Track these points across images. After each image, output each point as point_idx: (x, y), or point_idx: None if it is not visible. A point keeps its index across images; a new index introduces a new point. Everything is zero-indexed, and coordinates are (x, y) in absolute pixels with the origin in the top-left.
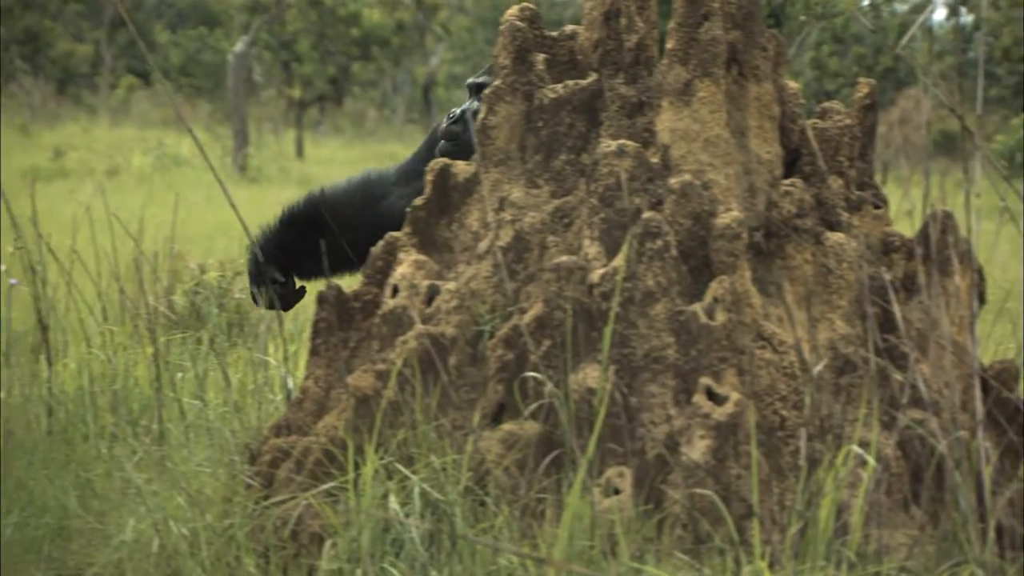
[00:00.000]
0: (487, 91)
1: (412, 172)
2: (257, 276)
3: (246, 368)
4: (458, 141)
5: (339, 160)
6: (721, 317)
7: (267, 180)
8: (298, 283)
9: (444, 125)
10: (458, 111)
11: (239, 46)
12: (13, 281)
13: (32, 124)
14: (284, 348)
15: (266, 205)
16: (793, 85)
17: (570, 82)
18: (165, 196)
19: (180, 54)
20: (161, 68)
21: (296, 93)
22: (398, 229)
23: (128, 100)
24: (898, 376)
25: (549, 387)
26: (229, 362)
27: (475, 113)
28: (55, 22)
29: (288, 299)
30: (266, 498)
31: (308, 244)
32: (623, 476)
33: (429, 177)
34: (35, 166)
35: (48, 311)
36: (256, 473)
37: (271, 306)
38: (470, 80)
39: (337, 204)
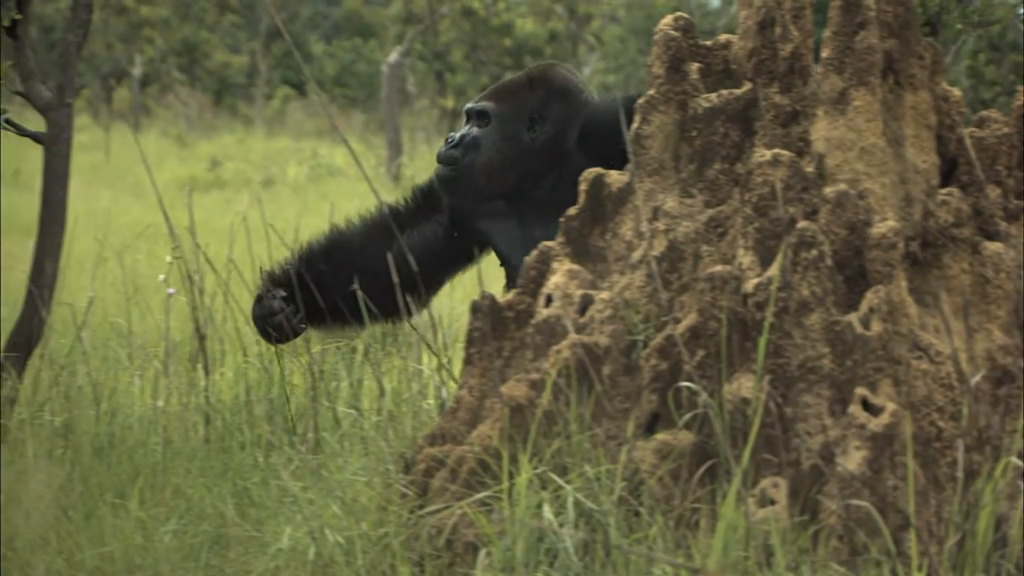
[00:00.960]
0: (640, 101)
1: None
2: (263, 304)
3: (400, 377)
4: (456, 166)
5: None
6: (877, 327)
7: None
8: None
9: (443, 149)
10: (456, 136)
11: (393, 57)
12: (171, 291)
13: (189, 135)
14: (438, 358)
15: None
16: (955, 93)
17: (724, 91)
18: (320, 206)
19: (335, 65)
20: (316, 79)
21: (449, 103)
22: (410, 269)
23: (283, 111)
24: None
25: (703, 397)
26: (383, 371)
27: (474, 139)
28: (212, 33)
29: (285, 330)
30: (421, 507)
31: (323, 285)
32: (778, 487)
33: (583, 187)
34: (192, 176)
35: (206, 321)
36: (411, 482)
37: (270, 335)
38: (468, 105)
39: (356, 246)
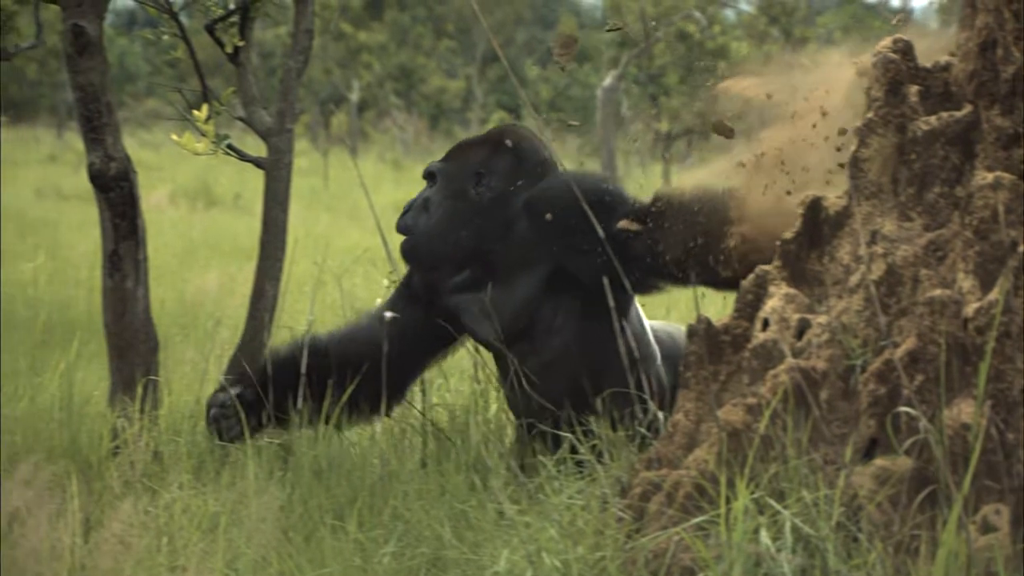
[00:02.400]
0: (861, 124)
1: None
2: (216, 396)
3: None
4: (410, 233)
5: None
6: None
7: None
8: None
9: (399, 219)
10: (410, 202)
11: (608, 80)
12: (389, 314)
13: (405, 159)
14: (649, 383)
15: None
16: None
17: (944, 114)
18: None
19: (549, 89)
20: (531, 103)
21: (664, 126)
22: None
23: None
24: None
25: (923, 422)
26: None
27: (425, 200)
28: (428, 58)
29: (223, 429)
30: (637, 531)
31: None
32: (1000, 513)
33: (799, 211)
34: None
35: None
36: (627, 506)
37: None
38: (425, 169)
39: (336, 340)
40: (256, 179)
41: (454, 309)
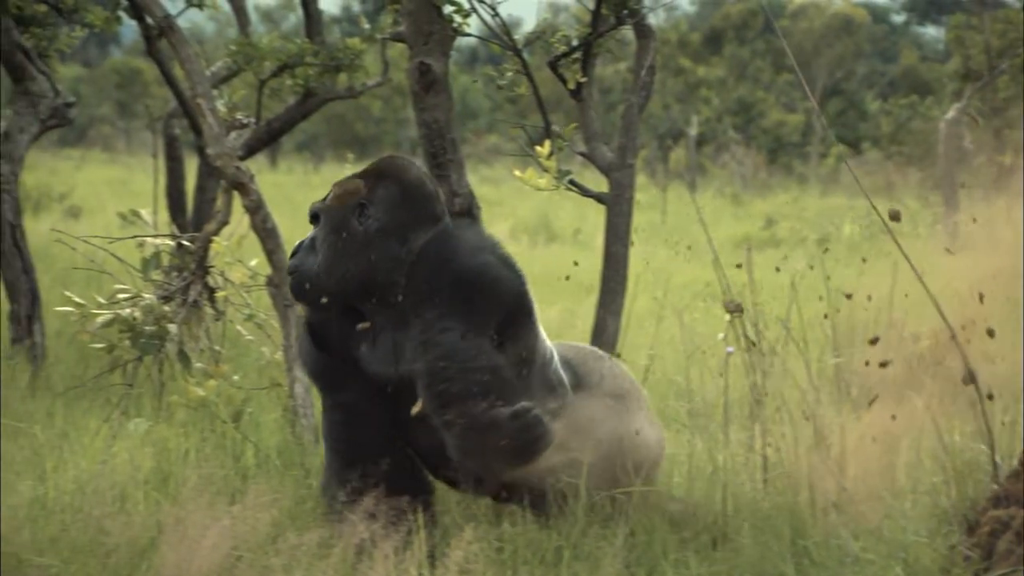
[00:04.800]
0: None
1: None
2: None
3: (961, 432)
4: (296, 273)
5: None
6: None
7: (974, 248)
8: None
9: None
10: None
11: (950, 113)
12: (729, 349)
13: (743, 193)
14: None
15: (973, 274)
16: None
17: None
18: (877, 265)
19: (890, 122)
20: (871, 137)
21: (1007, 159)
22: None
23: (838, 169)
24: None
25: None
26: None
27: (311, 240)
28: (767, 93)
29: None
30: (985, 570)
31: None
32: None
33: None
34: (747, 235)
35: (763, 379)
36: (974, 544)
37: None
38: (309, 210)
39: None
40: (595, 214)
41: (349, 350)
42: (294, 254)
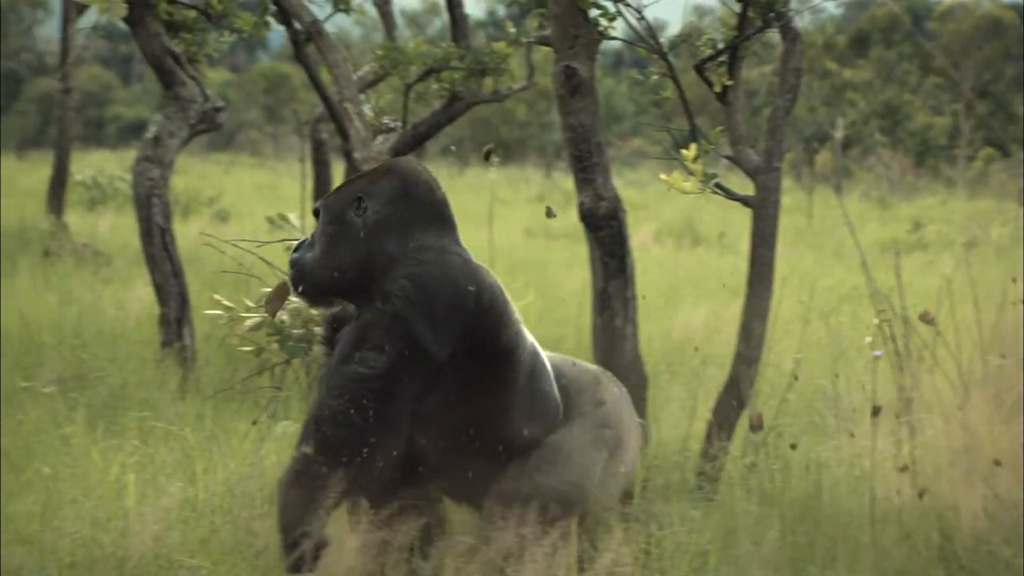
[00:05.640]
0: None
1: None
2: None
3: None
4: (296, 267)
5: None
6: None
7: None
8: None
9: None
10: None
11: None
12: (877, 353)
13: (890, 197)
14: None
15: None
16: None
17: None
18: None
19: None
20: (1020, 139)
21: None
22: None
23: (986, 171)
24: None
25: None
26: None
27: (312, 235)
28: (914, 95)
29: None
30: None
31: None
32: None
33: None
34: (894, 238)
35: (911, 383)
36: None
37: None
38: (313, 208)
39: None
40: (740, 217)
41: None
42: (296, 249)
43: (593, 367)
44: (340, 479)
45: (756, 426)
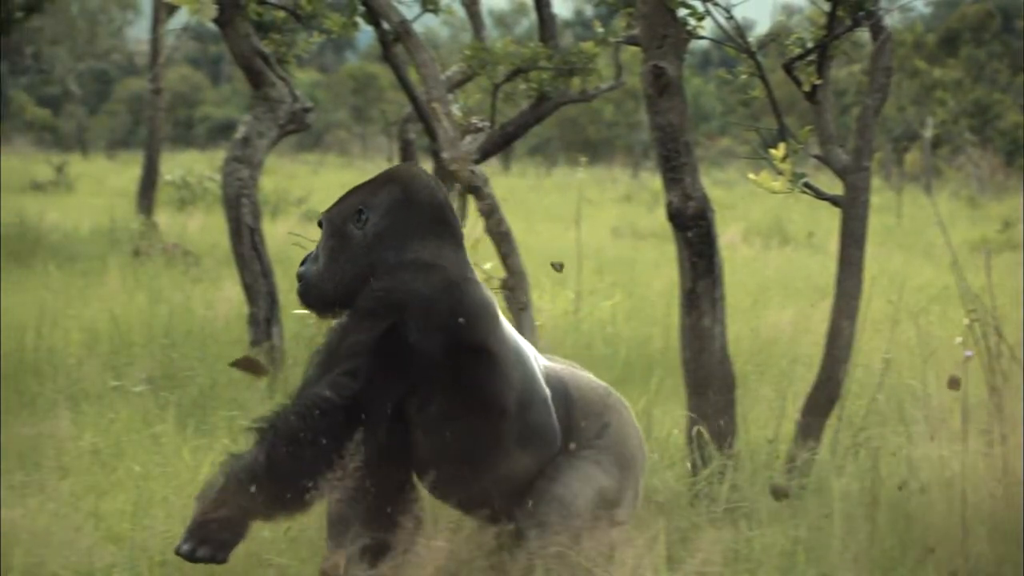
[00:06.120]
0: None
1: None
2: None
3: None
4: (302, 281)
5: None
6: None
7: None
8: None
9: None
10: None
11: None
12: (968, 353)
13: (980, 196)
14: None
15: None
16: None
17: None
18: None
19: None
20: None
21: None
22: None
23: None
24: None
25: None
26: None
27: (316, 248)
28: (1004, 94)
29: None
30: None
31: None
32: None
33: None
34: (984, 238)
35: (1001, 384)
36: None
37: None
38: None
39: None
40: (829, 217)
41: None
42: (303, 263)
43: (600, 385)
44: (274, 495)
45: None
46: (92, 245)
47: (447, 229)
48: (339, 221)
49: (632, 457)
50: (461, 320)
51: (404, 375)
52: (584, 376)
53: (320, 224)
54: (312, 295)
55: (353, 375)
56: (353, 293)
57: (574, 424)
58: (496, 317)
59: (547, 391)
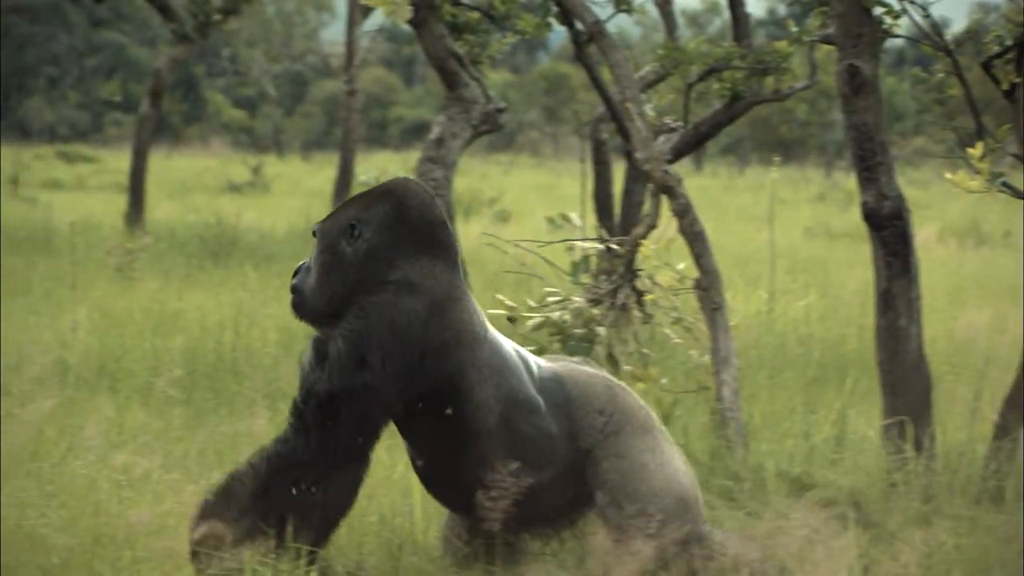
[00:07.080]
0: None
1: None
2: None
3: None
4: (296, 294)
5: None
6: None
7: None
8: None
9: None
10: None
11: None
12: None
13: None
14: None
15: None
16: None
17: None
18: None
19: None
20: None
21: None
22: None
23: None
24: None
25: None
26: None
27: (310, 261)
28: None
29: None
30: None
31: None
32: None
33: None
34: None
35: None
36: None
37: None
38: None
39: None
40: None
41: None
42: (296, 274)
43: (600, 376)
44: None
45: None
46: (288, 246)
47: (439, 246)
48: (332, 235)
49: (652, 426)
50: (426, 358)
51: (375, 420)
52: (583, 371)
53: (314, 234)
54: (305, 309)
55: (323, 426)
56: (344, 309)
57: (578, 422)
58: (476, 337)
59: (540, 401)
